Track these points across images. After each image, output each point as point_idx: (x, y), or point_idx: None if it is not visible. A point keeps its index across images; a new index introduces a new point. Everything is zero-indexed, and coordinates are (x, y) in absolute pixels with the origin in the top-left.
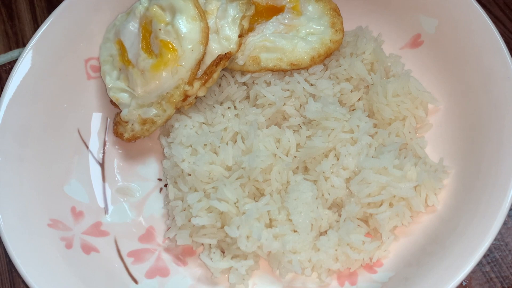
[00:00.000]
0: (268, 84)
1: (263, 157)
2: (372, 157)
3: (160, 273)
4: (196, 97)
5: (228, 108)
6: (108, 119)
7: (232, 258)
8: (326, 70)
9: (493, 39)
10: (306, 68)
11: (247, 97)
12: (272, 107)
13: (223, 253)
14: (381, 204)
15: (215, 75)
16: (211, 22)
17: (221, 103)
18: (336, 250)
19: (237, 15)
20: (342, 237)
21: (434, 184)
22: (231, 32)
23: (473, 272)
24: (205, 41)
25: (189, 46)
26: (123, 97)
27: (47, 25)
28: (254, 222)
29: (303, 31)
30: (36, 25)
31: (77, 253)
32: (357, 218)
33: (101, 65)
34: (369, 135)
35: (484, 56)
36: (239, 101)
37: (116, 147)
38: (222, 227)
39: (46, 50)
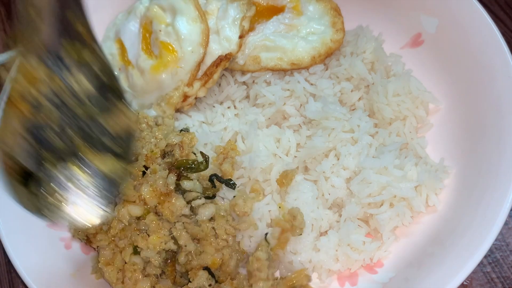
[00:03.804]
0: (268, 83)
1: (263, 157)
2: (373, 157)
3: None
4: (196, 98)
5: (228, 107)
6: None
7: None
8: (327, 69)
9: (494, 38)
10: (307, 67)
11: (247, 97)
12: (272, 106)
13: None
14: (382, 204)
15: (215, 76)
16: (211, 22)
17: (221, 103)
18: (336, 250)
19: (237, 16)
20: (342, 238)
21: (435, 184)
22: (231, 33)
23: (474, 272)
24: (205, 43)
25: (189, 48)
26: None
27: None
28: (256, 221)
29: (304, 30)
30: None
31: (76, 253)
32: (358, 219)
33: None
34: (370, 135)
35: (485, 55)
36: (239, 101)
37: None
38: None
39: None
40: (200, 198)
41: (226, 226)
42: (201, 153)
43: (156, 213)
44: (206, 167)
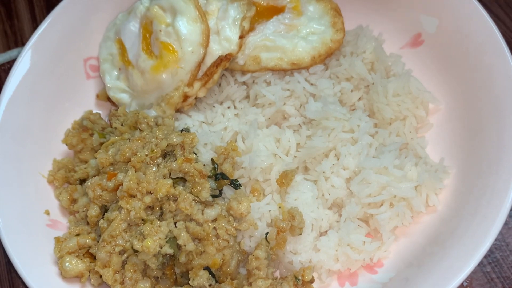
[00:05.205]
0: (268, 83)
1: (263, 156)
2: (373, 157)
3: None
4: (196, 98)
5: (228, 107)
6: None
7: None
8: (327, 69)
9: (494, 38)
10: (307, 67)
11: (247, 97)
12: (272, 106)
13: None
14: (382, 204)
15: (216, 76)
16: (211, 23)
17: (221, 103)
18: (336, 250)
19: (237, 16)
20: (342, 238)
21: (435, 184)
22: (231, 33)
23: (474, 272)
24: (206, 43)
25: (190, 48)
26: (123, 98)
27: (46, 24)
28: (256, 221)
29: (304, 30)
30: (35, 25)
31: None
32: (358, 218)
33: (100, 63)
34: (370, 135)
35: (485, 55)
36: (239, 101)
37: None
38: None
39: (45, 49)
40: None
41: (227, 226)
42: (212, 160)
43: (160, 208)
44: (214, 174)
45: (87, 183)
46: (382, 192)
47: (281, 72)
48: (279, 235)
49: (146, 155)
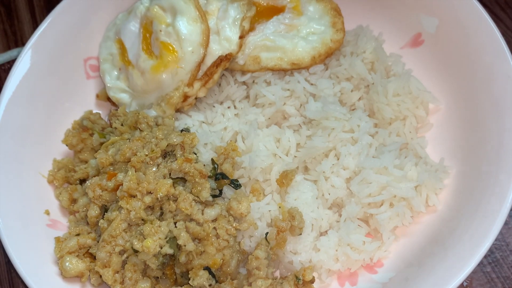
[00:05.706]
0: (268, 83)
1: (263, 156)
2: (373, 157)
3: None
4: (196, 98)
5: (228, 107)
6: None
7: None
8: (327, 69)
9: (494, 38)
10: (307, 67)
11: (247, 97)
12: (272, 106)
13: None
14: (382, 204)
15: (216, 76)
16: (211, 23)
17: (221, 103)
18: (336, 250)
19: (237, 16)
20: (342, 238)
21: (435, 184)
22: (231, 33)
23: (474, 272)
24: (206, 43)
25: (190, 48)
26: (123, 98)
27: (46, 24)
28: (256, 221)
29: (304, 30)
30: (35, 25)
31: None
32: (358, 218)
33: (100, 63)
34: (370, 135)
35: (485, 55)
36: (239, 101)
37: None
38: None
39: (45, 49)
40: (209, 198)
41: (227, 226)
42: (212, 160)
43: (160, 208)
44: (214, 174)
45: (87, 183)
46: (382, 192)
47: (281, 72)
48: (279, 235)
49: (146, 155)
